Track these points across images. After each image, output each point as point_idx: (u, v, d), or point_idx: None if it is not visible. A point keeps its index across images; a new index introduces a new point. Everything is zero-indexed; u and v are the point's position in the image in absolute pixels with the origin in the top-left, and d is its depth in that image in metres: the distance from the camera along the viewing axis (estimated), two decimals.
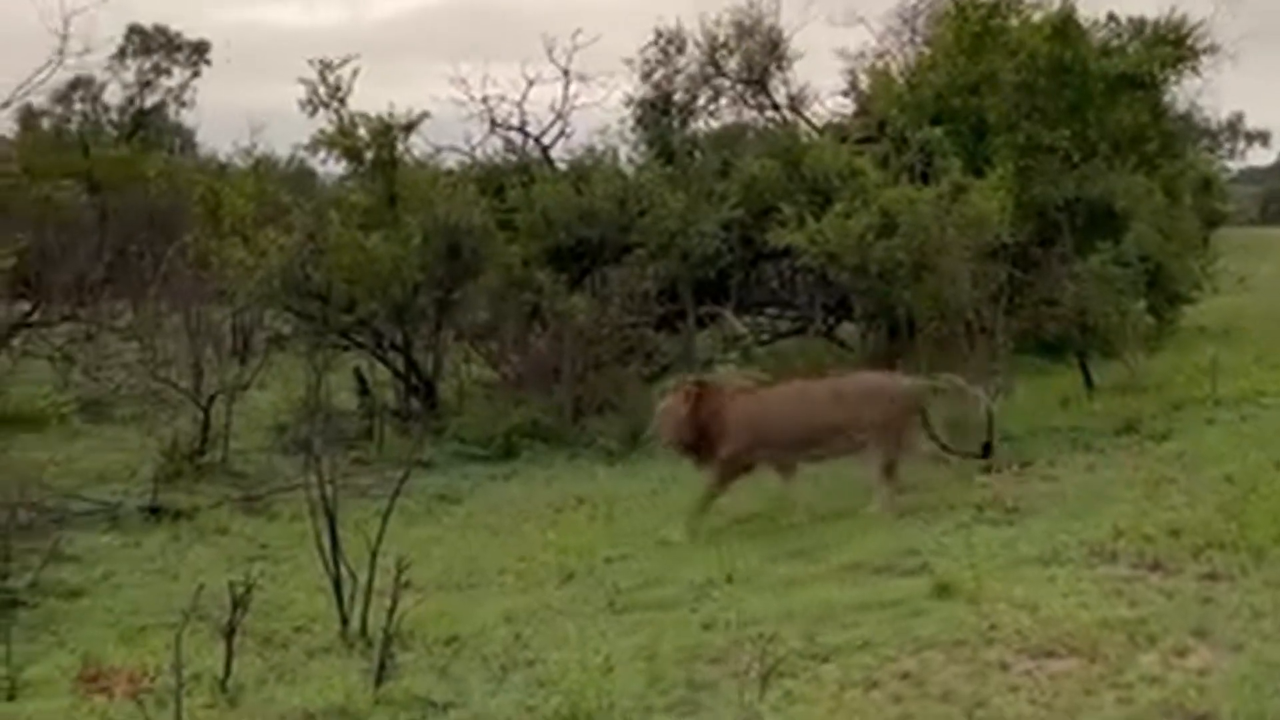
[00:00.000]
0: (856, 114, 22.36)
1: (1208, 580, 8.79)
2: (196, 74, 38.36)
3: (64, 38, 8.28)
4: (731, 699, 7.07)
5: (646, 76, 22.16)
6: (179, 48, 38.16)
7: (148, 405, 17.32)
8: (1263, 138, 61.33)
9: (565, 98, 22.14)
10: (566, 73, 22.10)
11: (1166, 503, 10.83)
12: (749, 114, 22.94)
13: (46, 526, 12.31)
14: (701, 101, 22.37)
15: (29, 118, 33.83)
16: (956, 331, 15.59)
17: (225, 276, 17.99)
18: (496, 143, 22.14)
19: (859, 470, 13.51)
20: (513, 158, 21.94)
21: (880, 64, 22.58)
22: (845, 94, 23.45)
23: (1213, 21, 20.50)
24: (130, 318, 22.63)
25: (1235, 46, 21.19)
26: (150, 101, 38.10)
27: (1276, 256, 33.81)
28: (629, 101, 22.17)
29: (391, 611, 8.10)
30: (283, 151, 31.64)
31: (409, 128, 18.51)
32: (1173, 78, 19.97)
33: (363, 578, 8.85)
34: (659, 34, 22.14)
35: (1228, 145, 56.63)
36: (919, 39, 23.09)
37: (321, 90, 18.05)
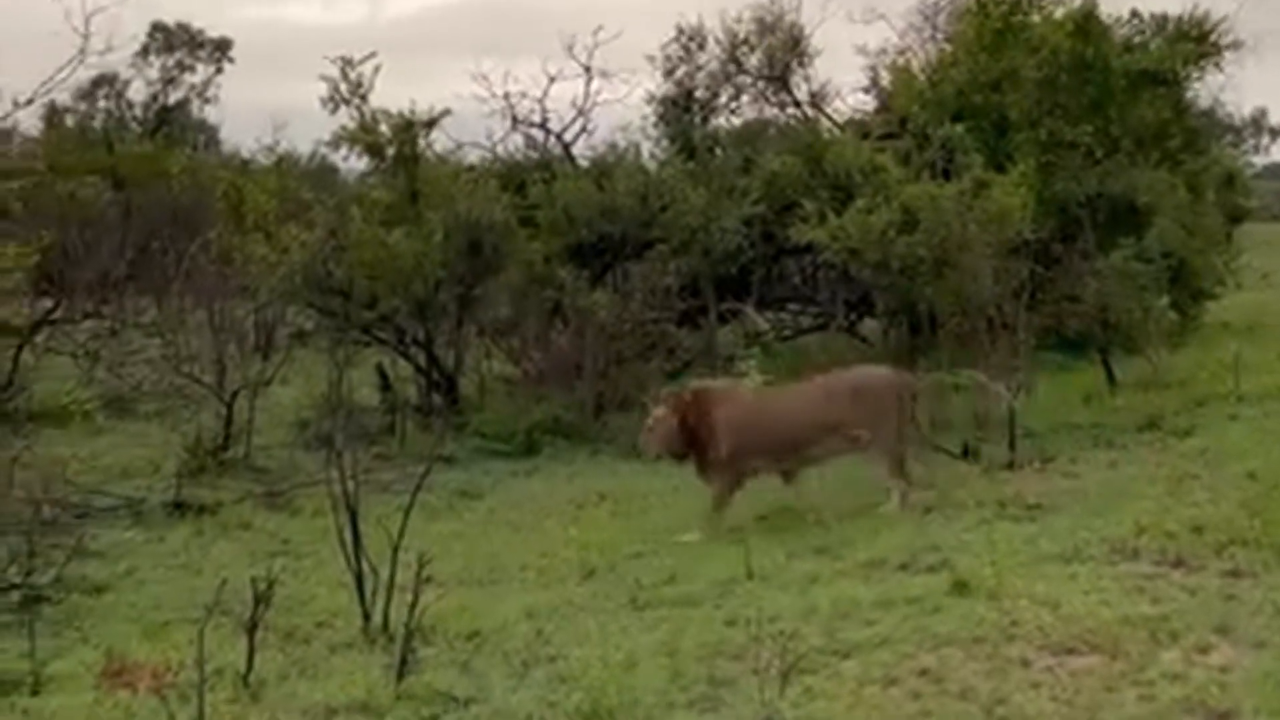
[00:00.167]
0: (878, 110, 22.36)
1: (1230, 577, 8.78)
2: (219, 71, 38.50)
3: (85, 36, 8.31)
4: (752, 695, 7.07)
5: (668, 73, 22.20)
6: (201, 45, 38.27)
7: (171, 401, 17.38)
8: None
9: (587, 94, 22.19)
10: (588, 69, 22.16)
11: (1189, 499, 10.80)
12: (770, 111, 22.97)
13: (71, 522, 12.36)
14: (723, 98, 22.40)
15: (53, 115, 33.94)
16: (978, 328, 15.56)
17: (248, 272, 18.04)
18: (518, 139, 22.21)
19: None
20: (534, 154, 21.98)
21: (901, 60, 22.58)
22: (866, 90, 23.47)
23: (1235, 17, 20.39)
24: (154, 314, 22.72)
25: (1258, 42, 21.10)
26: (173, 98, 38.24)
27: None
28: (650, 98, 22.21)
29: (413, 607, 8.12)
30: (305, 148, 31.77)
31: (430, 124, 18.53)
32: (1195, 74, 19.96)
33: (384, 573, 8.87)
34: (680, 31, 22.17)
35: (1251, 141, 56.55)
36: (940, 35, 23.09)
37: (343, 87, 18.07)
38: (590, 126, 22.24)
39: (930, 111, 19.18)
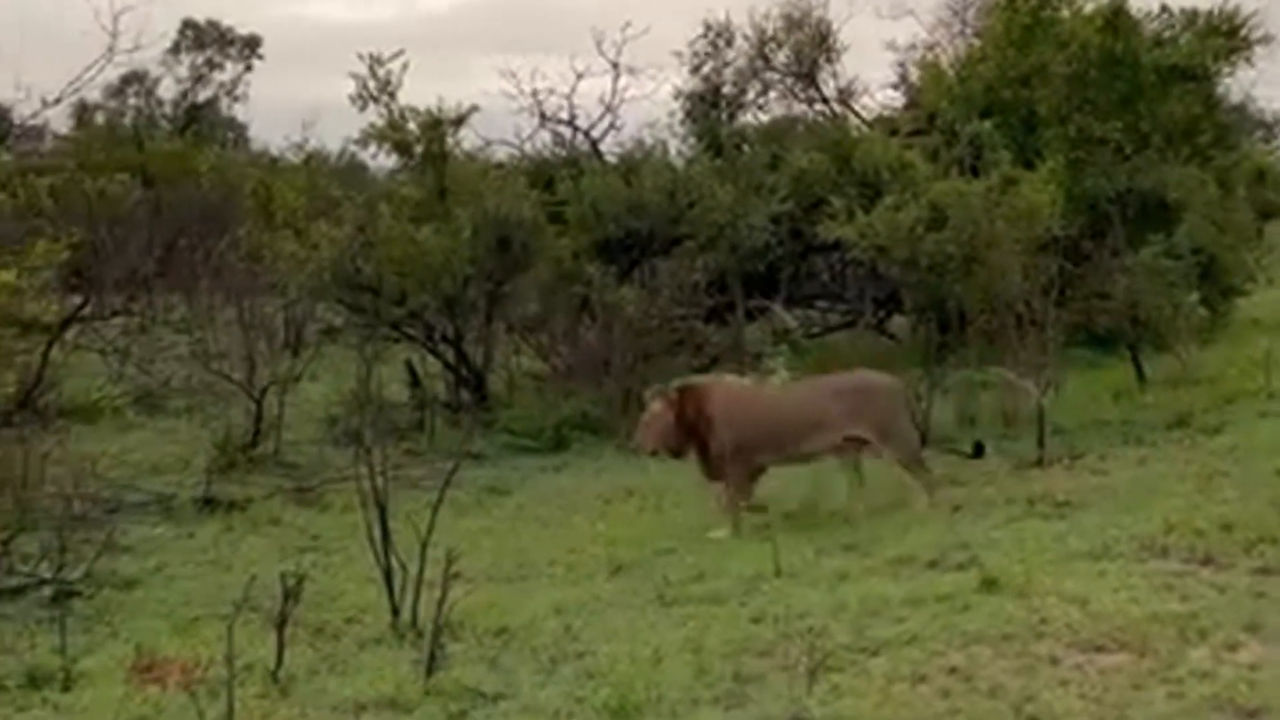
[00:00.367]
0: (906, 107, 22.37)
1: (1260, 575, 8.74)
2: (249, 68, 38.58)
3: (114, 35, 8.36)
4: (779, 692, 7.08)
5: (695, 69, 22.23)
6: (231, 42, 38.36)
7: (201, 397, 17.43)
8: None
9: (614, 91, 22.24)
10: (616, 66, 22.21)
11: (1219, 497, 10.76)
12: (798, 107, 22.98)
13: (101, 518, 12.40)
14: (750, 94, 22.43)
15: (83, 112, 34.09)
16: (1007, 325, 15.54)
17: (277, 269, 18.09)
18: (546, 136, 22.27)
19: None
20: (562, 151, 22.03)
21: (930, 56, 22.56)
22: (895, 87, 23.49)
23: (1266, 12, 20.30)
24: (183, 311, 22.80)
25: None
26: (203, 96, 38.34)
27: None
28: (678, 94, 22.25)
29: (441, 603, 8.14)
30: (334, 145, 31.83)
31: (459, 121, 18.56)
32: (1226, 69, 19.86)
33: (413, 569, 8.90)
34: (708, 27, 22.20)
35: None
36: (969, 31, 23.05)
37: (371, 84, 18.12)
38: (618, 123, 22.30)
39: (959, 107, 19.15)
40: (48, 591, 10.19)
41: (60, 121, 32.90)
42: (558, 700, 7.35)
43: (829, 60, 22.51)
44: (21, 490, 12.37)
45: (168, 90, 37.81)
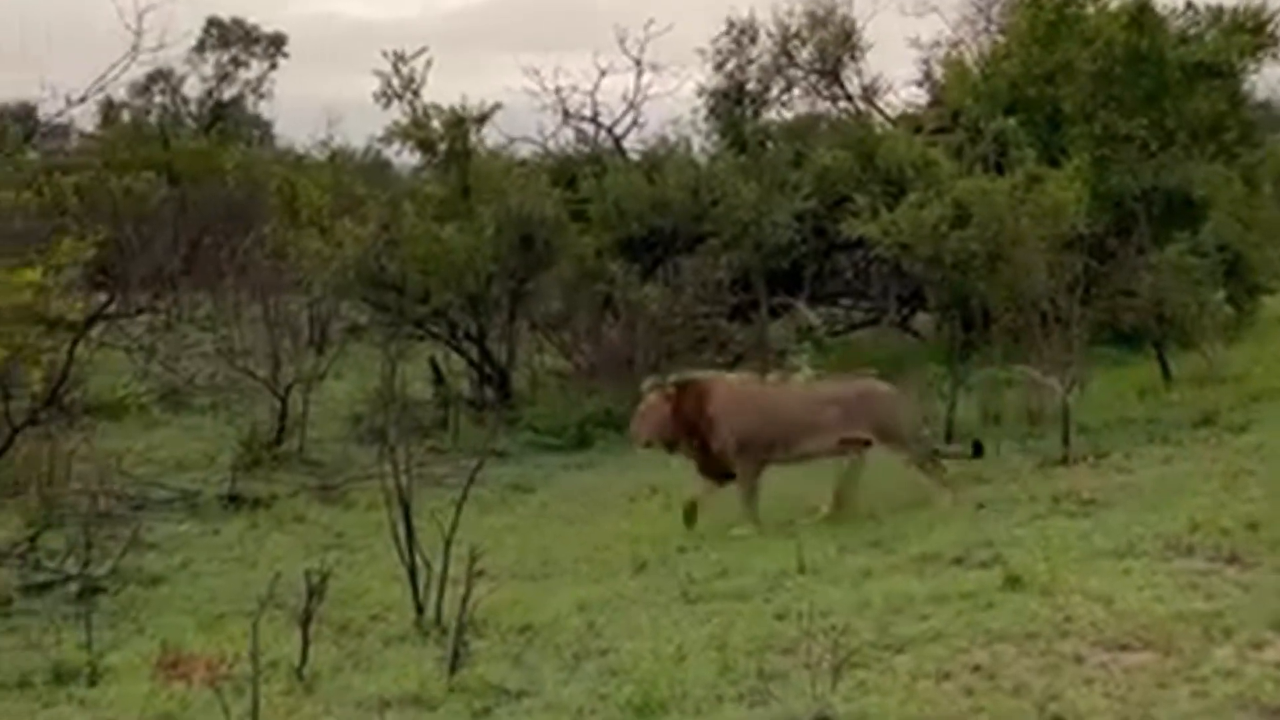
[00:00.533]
0: (930, 104, 22.31)
1: None
2: (274, 66, 38.61)
3: (138, 34, 8.41)
4: (803, 689, 7.07)
5: (719, 67, 22.22)
6: (256, 40, 38.40)
7: (226, 395, 17.50)
8: None
9: (638, 88, 22.26)
10: (639, 63, 22.22)
11: (1244, 495, 10.71)
12: (822, 104, 22.94)
13: (127, 514, 12.48)
14: (774, 92, 22.41)
15: (109, 110, 34.19)
16: (1031, 322, 15.49)
17: (302, 267, 18.17)
18: (569, 133, 22.28)
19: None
20: (585, 148, 22.05)
21: (954, 53, 22.50)
22: (919, 84, 23.42)
23: None
24: (209, 308, 22.88)
25: None
26: (228, 94, 38.40)
27: None
28: (701, 92, 22.25)
29: (465, 600, 8.16)
30: (359, 143, 31.90)
31: (482, 119, 18.61)
32: (1252, 65, 19.76)
33: (437, 566, 8.92)
34: (731, 24, 22.18)
35: None
36: (993, 28, 22.99)
37: (395, 82, 18.18)
38: (641, 120, 22.33)
39: (983, 105, 19.10)
40: (74, 588, 10.25)
41: (86, 120, 32.98)
42: (581, 697, 7.36)
43: (853, 57, 22.49)
44: (48, 487, 12.46)
45: (193, 88, 37.89)
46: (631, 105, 22.20)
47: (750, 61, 22.27)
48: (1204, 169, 18.91)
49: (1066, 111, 18.72)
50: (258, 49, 38.52)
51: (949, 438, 14.62)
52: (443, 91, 22.22)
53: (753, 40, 22.24)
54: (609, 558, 11.11)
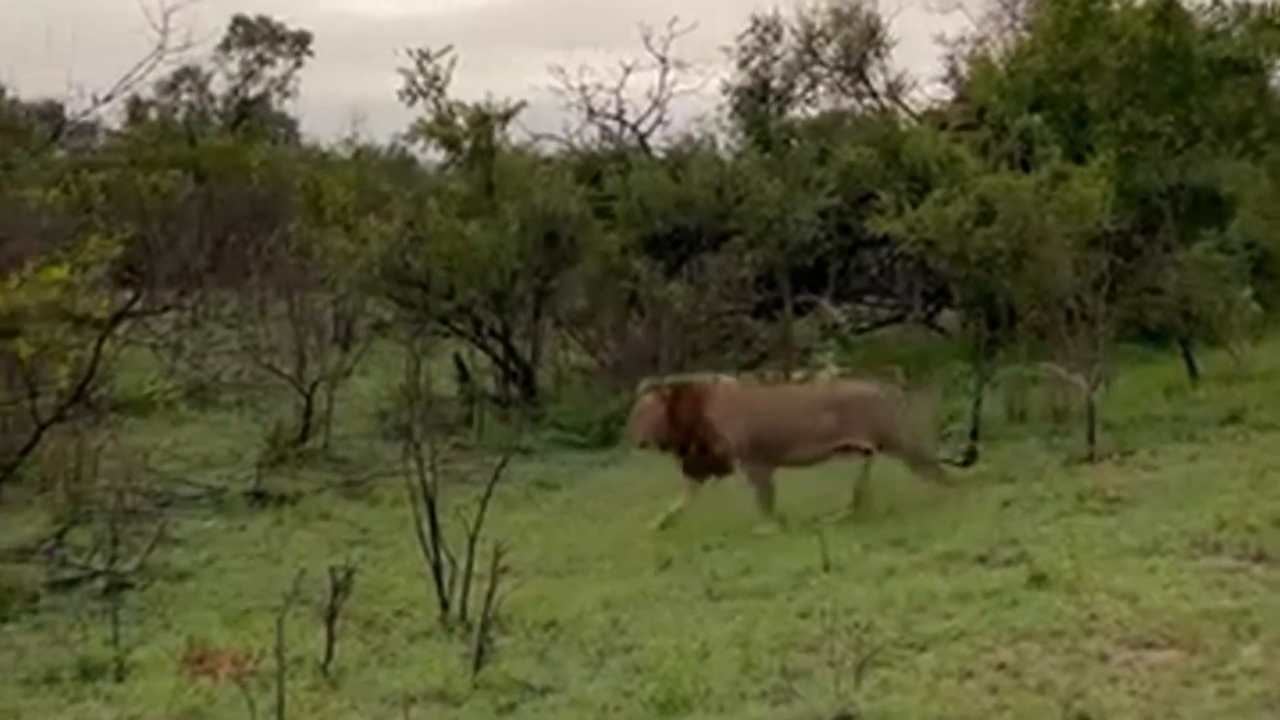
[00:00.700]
0: (955, 101, 22.25)
1: None
2: (299, 64, 38.71)
3: (163, 33, 8.44)
4: (826, 687, 7.06)
5: (744, 64, 22.21)
6: (282, 38, 38.49)
7: (251, 392, 17.55)
8: None
9: (662, 85, 22.28)
10: (664, 60, 22.25)
11: (1272, 493, 10.66)
12: (846, 101, 22.91)
13: (154, 511, 12.53)
14: (799, 89, 22.39)
15: (136, 108, 34.31)
16: (1057, 319, 15.45)
17: (327, 264, 18.22)
18: (594, 131, 22.30)
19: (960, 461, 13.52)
20: (610, 146, 22.06)
21: (979, 50, 22.44)
22: (944, 81, 23.36)
23: None
24: (234, 305, 22.96)
25: None
26: (254, 92, 38.50)
27: None
28: (726, 89, 22.25)
29: (490, 596, 8.18)
30: (384, 140, 31.95)
31: (506, 116, 18.64)
32: (1279, 61, 19.64)
33: (462, 563, 8.93)
34: (756, 21, 22.18)
35: None
36: (1019, 24, 22.93)
37: (420, 80, 18.22)
38: (666, 118, 22.35)
39: (1008, 101, 19.05)
40: (101, 584, 10.31)
41: (114, 118, 33.12)
42: (605, 694, 7.37)
43: (878, 54, 22.45)
44: (75, 483, 12.52)
45: (219, 86, 38.02)
46: (656, 103, 22.25)
47: (775, 59, 22.27)
48: (1231, 166, 18.84)
49: (1092, 108, 18.66)
50: (283, 47, 38.63)
51: (975, 435, 14.60)
52: (468, 89, 22.19)
53: (777, 37, 22.25)
54: (633, 554, 11.11)
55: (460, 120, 18.43)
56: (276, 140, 36.26)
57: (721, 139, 22.10)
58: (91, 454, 12.88)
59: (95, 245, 9.71)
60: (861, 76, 22.49)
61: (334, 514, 13.08)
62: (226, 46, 37.63)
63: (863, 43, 22.32)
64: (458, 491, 11.54)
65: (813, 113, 22.79)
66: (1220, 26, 19.76)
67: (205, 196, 25.45)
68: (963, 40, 23.27)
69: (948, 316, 20.71)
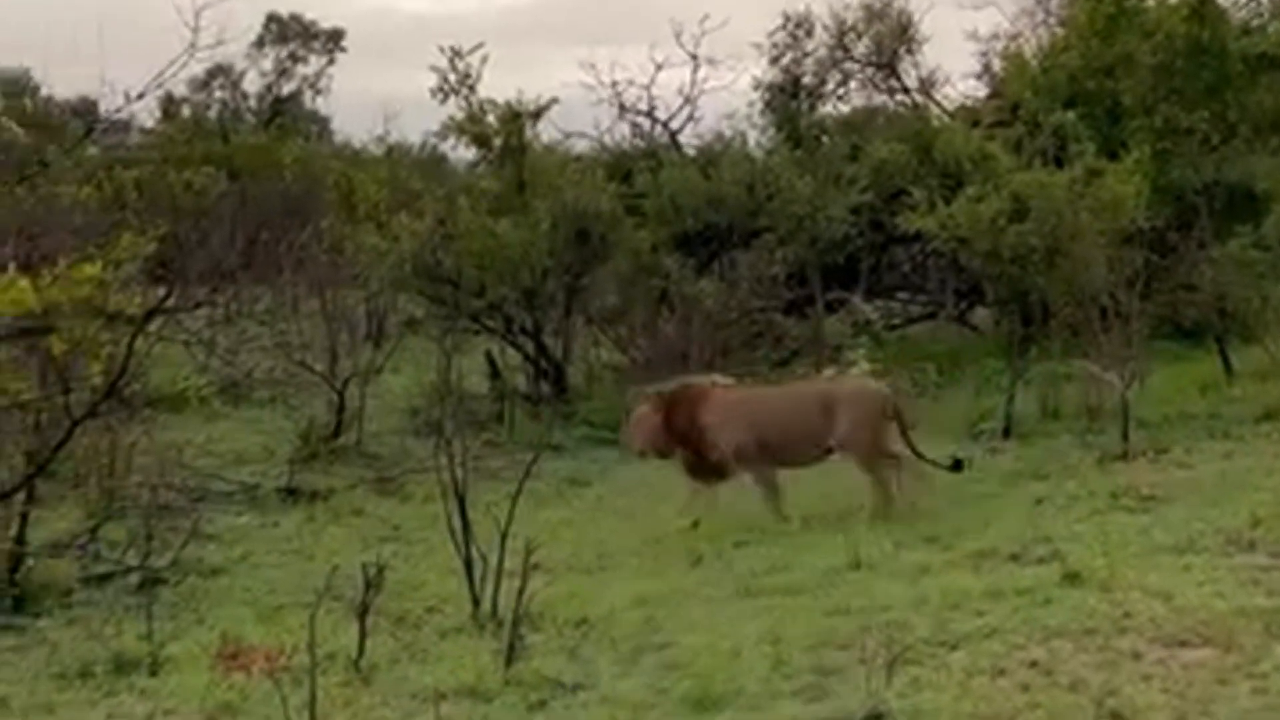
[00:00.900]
0: (988, 97, 22.17)
1: None
2: (332, 61, 38.85)
3: (195, 30, 8.45)
4: (858, 685, 7.05)
5: (775, 60, 22.17)
6: (315, 36, 38.64)
7: (284, 388, 17.61)
8: None
9: (693, 82, 22.24)
10: (695, 57, 22.21)
11: None
12: (878, 98, 22.86)
13: (187, 507, 12.56)
14: (830, 85, 22.33)
15: (170, 106, 34.47)
16: (1091, 317, 15.38)
17: (359, 261, 18.27)
18: (625, 128, 22.29)
19: (993, 459, 13.48)
20: (641, 143, 22.05)
21: (1013, 46, 22.35)
22: (977, 77, 23.28)
23: None
24: (267, 302, 23.03)
25: None
26: (287, 89, 38.65)
27: None
28: (757, 85, 22.20)
29: (521, 593, 8.19)
30: (415, 138, 32.02)
31: (537, 114, 18.65)
32: None
33: (493, 559, 8.95)
34: (787, 18, 22.14)
35: None
36: (1052, 20, 22.82)
37: (451, 77, 18.25)
38: (697, 114, 22.31)
39: (1042, 98, 18.98)
40: (135, 579, 10.35)
41: (147, 115, 33.29)
42: (637, 691, 7.37)
43: (910, 50, 22.39)
44: (109, 479, 12.57)
45: (252, 83, 38.17)
46: (687, 99, 22.22)
47: (806, 55, 22.23)
48: (1266, 162, 18.72)
49: (1126, 104, 18.58)
50: (316, 44, 38.77)
51: (1007, 433, 14.57)
52: (499, 86, 22.26)
53: (809, 34, 22.20)
54: (665, 552, 11.12)
55: (491, 118, 18.45)
56: (309, 137, 36.38)
57: (753, 136, 22.10)
58: (125, 450, 12.93)
59: (128, 242, 9.72)
60: (893, 72, 22.44)
61: (366, 510, 13.12)
62: (260, 44, 37.81)
63: (895, 39, 22.26)
64: (489, 488, 11.56)
65: (844, 109, 22.77)
66: (1256, 22, 19.68)
67: (238, 193, 25.54)
68: (996, 36, 23.18)
69: (980, 314, 20.64)
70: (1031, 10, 23.63)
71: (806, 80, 22.23)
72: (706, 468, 12.27)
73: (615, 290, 19.33)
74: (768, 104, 22.14)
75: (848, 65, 22.38)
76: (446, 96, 18.40)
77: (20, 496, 10.28)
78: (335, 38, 38.95)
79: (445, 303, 18.12)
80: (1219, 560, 9.00)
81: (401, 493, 13.72)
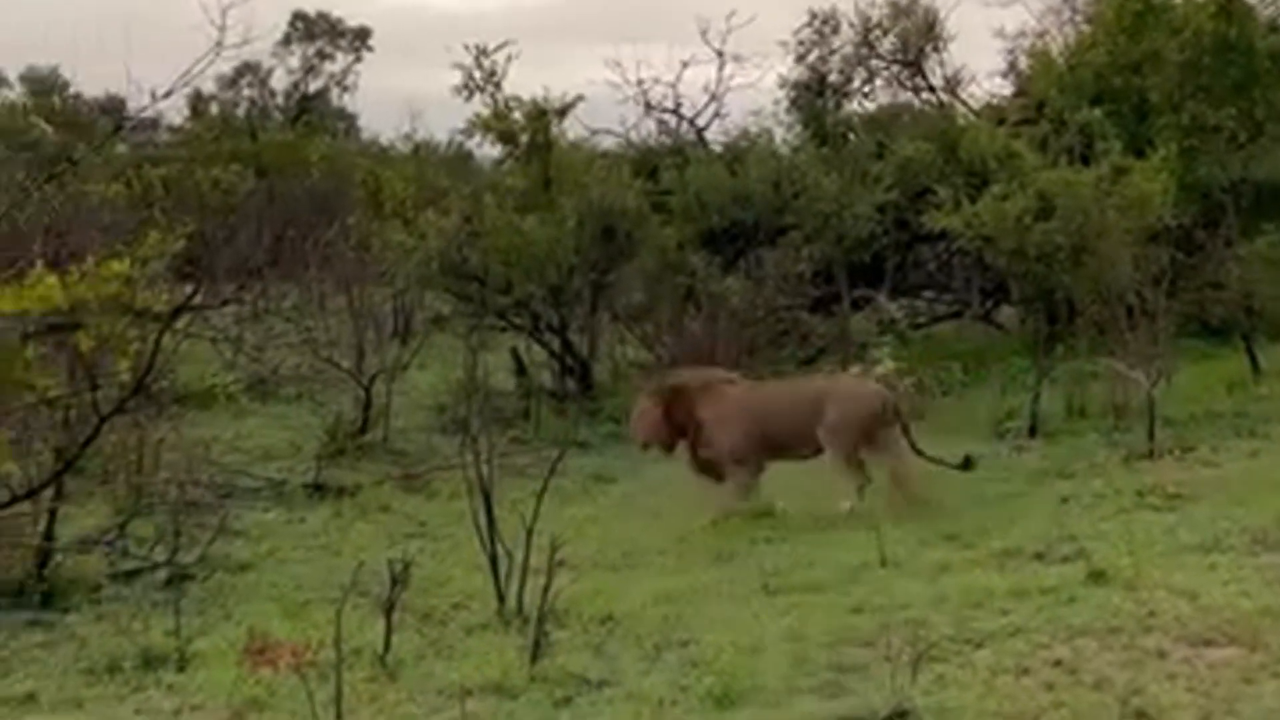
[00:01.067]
0: (1015, 95, 22.11)
1: None
2: (359, 59, 38.97)
3: (221, 29, 8.49)
4: (881, 683, 7.06)
5: (801, 58, 22.13)
6: (342, 34, 38.77)
7: (311, 385, 17.66)
8: None
9: (719, 79, 22.22)
10: (721, 54, 22.18)
11: None
12: (904, 95, 22.81)
13: (214, 503, 12.62)
14: (856, 83, 22.29)
15: (198, 104, 34.62)
16: (1117, 315, 15.35)
17: (386, 258, 18.32)
18: (651, 125, 22.28)
19: (1018, 457, 13.46)
20: (667, 140, 22.04)
21: (1039, 44, 22.29)
22: (1003, 75, 23.22)
23: None
24: (294, 299, 23.10)
25: None
26: (314, 87, 38.79)
27: None
28: (783, 83, 22.17)
29: (546, 590, 8.21)
30: (442, 135, 32.09)
31: (563, 111, 18.66)
32: None
33: (519, 556, 8.98)
34: (813, 15, 22.10)
35: None
36: (1079, 18, 22.74)
37: (477, 75, 18.28)
38: (723, 112, 22.28)
39: (1068, 95, 18.92)
40: (163, 575, 10.40)
41: (175, 113, 33.44)
42: (661, 688, 7.39)
43: (936, 48, 22.33)
44: (137, 475, 12.64)
45: (280, 81, 38.31)
46: (713, 97, 22.19)
47: (832, 52, 22.19)
48: None
49: (1153, 102, 18.52)
50: (343, 42, 38.90)
51: (1033, 431, 14.54)
52: (525, 83, 22.25)
53: (834, 31, 22.16)
54: (690, 549, 11.12)
55: (517, 115, 18.48)
56: (336, 135, 36.50)
57: (778, 133, 22.05)
58: (153, 446, 12.99)
59: (156, 240, 9.78)
60: (919, 70, 22.39)
61: (392, 506, 13.15)
62: (287, 41, 37.93)
63: (921, 36, 22.21)
64: (514, 485, 11.57)
65: (870, 107, 22.71)
66: None
67: (265, 191, 25.64)
68: (1022, 34, 23.11)
69: (1006, 312, 20.61)
70: (1058, 7, 23.56)
71: (832, 78, 22.19)
72: (703, 463, 12.32)
73: (641, 287, 19.34)
74: (793, 101, 22.11)
75: (873, 63, 22.34)
76: (472, 94, 18.45)
77: (49, 493, 10.34)
78: (362, 35, 39.10)
79: (471, 300, 18.16)
80: (1245, 559, 8.98)
81: (428, 489, 13.74)
